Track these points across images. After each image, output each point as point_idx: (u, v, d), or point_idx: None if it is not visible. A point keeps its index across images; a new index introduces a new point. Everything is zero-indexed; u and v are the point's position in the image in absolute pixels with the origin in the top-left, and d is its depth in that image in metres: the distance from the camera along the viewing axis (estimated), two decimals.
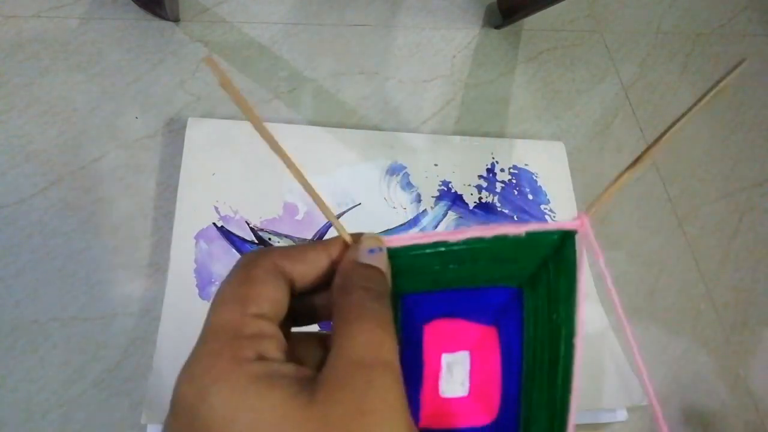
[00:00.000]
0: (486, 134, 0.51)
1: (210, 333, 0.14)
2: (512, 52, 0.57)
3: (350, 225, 0.46)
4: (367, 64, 0.52)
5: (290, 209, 0.42)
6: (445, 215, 0.45)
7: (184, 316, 0.36)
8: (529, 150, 0.51)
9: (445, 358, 0.17)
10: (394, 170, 0.46)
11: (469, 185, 0.47)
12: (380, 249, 0.16)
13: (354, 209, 0.43)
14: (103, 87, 0.44)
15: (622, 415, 0.40)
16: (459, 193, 0.47)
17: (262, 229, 0.41)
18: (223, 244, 0.39)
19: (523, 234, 0.16)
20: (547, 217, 0.48)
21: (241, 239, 0.40)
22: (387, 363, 0.13)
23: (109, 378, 0.35)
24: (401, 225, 0.44)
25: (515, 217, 0.47)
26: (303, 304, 0.17)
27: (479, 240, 0.16)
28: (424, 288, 0.17)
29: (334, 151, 0.45)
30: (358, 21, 0.54)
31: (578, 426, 0.42)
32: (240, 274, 0.15)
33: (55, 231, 0.38)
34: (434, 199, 0.46)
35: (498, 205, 0.47)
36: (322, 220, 0.42)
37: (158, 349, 0.35)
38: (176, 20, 0.49)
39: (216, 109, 0.46)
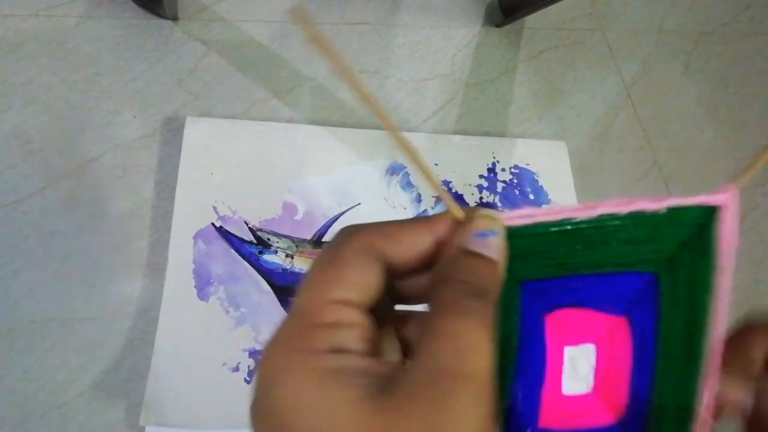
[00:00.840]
0: (487, 133, 0.51)
1: (290, 317, 0.13)
2: (513, 50, 0.57)
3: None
4: (367, 62, 0.52)
5: (289, 209, 0.42)
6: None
7: (182, 316, 0.36)
8: (530, 149, 0.50)
9: (569, 352, 0.15)
10: (394, 170, 0.46)
11: (470, 185, 0.47)
12: (494, 232, 0.13)
13: (354, 209, 0.43)
14: (101, 86, 0.44)
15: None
16: (460, 192, 0.46)
17: (261, 229, 0.40)
18: (222, 244, 0.39)
19: (663, 209, 0.14)
20: None
21: (240, 239, 0.40)
22: (473, 375, 0.11)
23: (108, 379, 0.35)
24: None
25: None
26: (408, 285, 0.15)
27: (612, 217, 0.14)
28: (547, 273, 0.15)
29: (333, 150, 0.45)
30: (357, 19, 0.54)
31: None
32: (329, 254, 0.13)
33: (52, 231, 0.38)
34: (435, 199, 0.46)
35: (499, 205, 0.47)
36: (322, 220, 0.42)
37: (156, 350, 0.35)
38: (174, 19, 0.48)
39: (214, 108, 0.45)
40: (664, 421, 0.15)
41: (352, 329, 0.13)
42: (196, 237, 0.39)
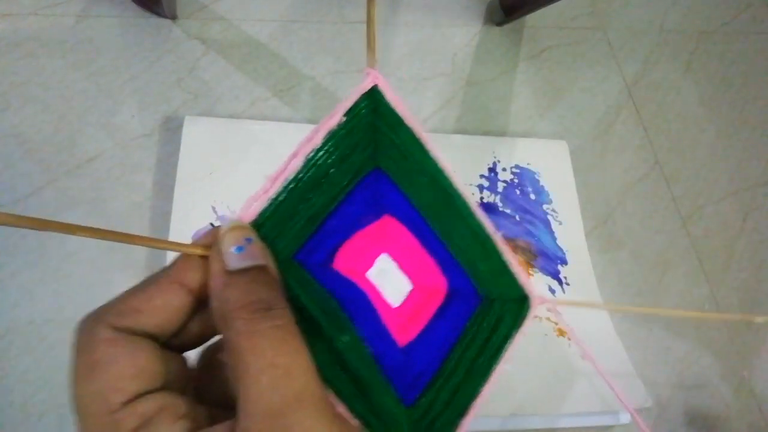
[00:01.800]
0: (487, 133, 0.51)
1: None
2: (514, 49, 0.56)
3: None
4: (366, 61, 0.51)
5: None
6: None
7: None
8: (531, 149, 0.50)
9: (372, 274, 0.16)
10: None
11: (471, 185, 0.47)
12: (248, 240, 0.13)
13: None
14: (100, 85, 0.44)
15: (625, 417, 0.40)
16: None
17: None
18: None
19: (342, 117, 0.14)
20: (549, 217, 0.47)
21: None
22: (299, 395, 0.11)
23: None
24: None
25: (517, 217, 0.46)
26: (189, 331, 0.14)
27: (314, 152, 0.14)
28: (305, 236, 0.15)
29: None
30: (357, 18, 0.53)
31: (582, 429, 0.42)
32: (82, 364, 0.12)
33: (51, 231, 0.38)
34: None
35: (500, 204, 0.47)
36: None
37: None
38: (173, 18, 0.48)
39: (214, 108, 0.45)
40: (472, 260, 0.16)
41: (162, 417, 0.12)
42: (195, 237, 0.39)
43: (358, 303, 0.15)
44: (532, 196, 0.48)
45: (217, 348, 0.15)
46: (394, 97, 0.15)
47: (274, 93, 0.47)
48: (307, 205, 0.15)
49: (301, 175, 0.15)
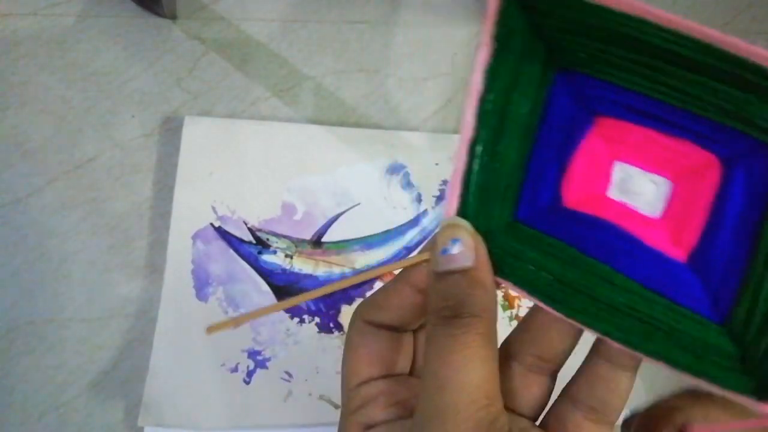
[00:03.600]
0: None
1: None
2: None
3: (350, 225, 0.45)
4: (366, 61, 0.51)
5: (288, 209, 0.42)
6: None
7: (181, 317, 0.36)
8: None
9: (613, 192, 0.12)
10: (394, 169, 0.46)
11: None
12: (455, 240, 0.12)
13: (353, 209, 0.43)
14: (99, 85, 0.44)
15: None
16: None
17: (260, 230, 0.40)
18: (221, 244, 0.39)
19: (494, 45, 0.11)
20: None
21: (239, 239, 0.40)
22: (446, 411, 0.11)
23: (106, 380, 0.35)
24: (401, 225, 0.43)
25: None
26: None
27: (482, 102, 0.11)
28: (514, 190, 0.12)
29: (333, 150, 0.45)
30: (357, 18, 0.53)
31: None
32: (345, 348, 0.15)
33: (50, 231, 0.38)
34: (435, 198, 0.45)
35: None
36: (321, 220, 0.42)
37: (155, 351, 0.35)
38: (173, 18, 0.48)
39: (214, 108, 0.45)
40: (750, 111, 0.10)
41: (377, 402, 0.14)
42: (194, 237, 0.39)
43: (611, 241, 0.12)
44: None
45: None
46: None
47: (274, 93, 0.47)
48: (502, 159, 0.12)
49: (479, 134, 0.12)
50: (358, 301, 0.39)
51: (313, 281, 0.39)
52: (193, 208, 0.40)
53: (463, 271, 0.13)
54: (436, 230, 0.13)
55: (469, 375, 0.12)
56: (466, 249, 0.13)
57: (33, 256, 0.37)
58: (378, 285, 0.40)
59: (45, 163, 0.40)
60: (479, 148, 0.12)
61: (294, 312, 0.38)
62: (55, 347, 0.35)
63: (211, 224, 0.39)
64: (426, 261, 0.13)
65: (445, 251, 0.13)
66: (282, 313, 0.38)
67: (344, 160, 0.45)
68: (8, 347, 0.34)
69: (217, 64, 0.47)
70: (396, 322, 0.15)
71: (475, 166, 0.12)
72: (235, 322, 0.12)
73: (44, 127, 0.41)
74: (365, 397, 0.14)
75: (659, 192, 0.12)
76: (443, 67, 0.53)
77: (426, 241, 0.15)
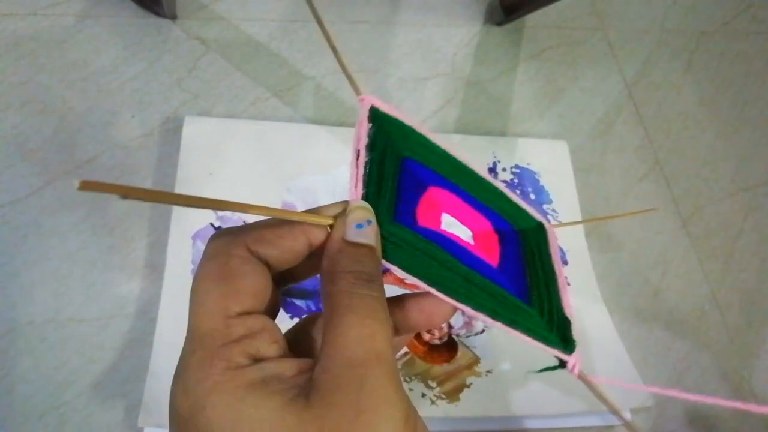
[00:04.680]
0: (487, 133, 0.51)
1: (197, 341, 0.13)
2: (514, 49, 0.56)
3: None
4: (367, 61, 0.51)
5: (288, 209, 0.41)
6: None
7: (181, 317, 0.36)
8: (531, 149, 0.50)
9: (444, 227, 0.18)
10: None
11: None
12: (369, 222, 0.15)
13: None
14: (99, 85, 0.44)
15: (626, 416, 0.40)
16: None
17: None
18: None
19: (366, 141, 0.18)
20: (549, 217, 0.47)
21: None
22: (379, 356, 0.13)
23: (106, 380, 0.35)
24: None
25: None
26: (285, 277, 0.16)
27: (365, 167, 0.17)
28: (393, 207, 0.17)
29: (333, 149, 0.45)
30: (357, 18, 0.53)
31: (582, 428, 0.42)
32: (214, 268, 0.14)
33: (50, 231, 0.38)
34: None
35: None
36: None
37: (155, 351, 0.35)
38: (173, 17, 0.48)
39: (213, 108, 0.45)
40: (506, 210, 0.21)
41: (263, 334, 0.13)
42: (194, 237, 0.39)
43: (453, 243, 0.18)
44: (532, 196, 0.48)
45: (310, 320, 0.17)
46: (389, 108, 0.19)
47: (274, 93, 0.47)
48: (384, 189, 0.17)
49: (367, 177, 0.17)
50: None
51: (313, 281, 0.39)
52: (192, 208, 0.40)
53: (371, 248, 0.15)
54: (349, 206, 0.16)
55: (390, 331, 0.13)
56: (372, 230, 0.15)
57: (33, 256, 0.37)
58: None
59: (45, 163, 0.40)
60: (368, 180, 0.17)
61: (294, 312, 0.38)
62: (55, 347, 0.35)
63: (211, 224, 0.39)
64: (329, 225, 0.15)
65: (359, 226, 0.15)
66: (282, 313, 0.38)
67: (344, 159, 0.45)
68: (8, 347, 0.34)
69: (217, 64, 0.47)
70: (278, 263, 0.15)
71: (370, 185, 0.17)
72: (123, 190, 0.10)
73: (44, 127, 0.41)
74: (251, 327, 0.13)
75: (468, 234, 0.19)
76: (443, 67, 0.53)
77: (322, 207, 0.16)
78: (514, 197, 0.21)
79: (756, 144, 0.59)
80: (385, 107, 0.19)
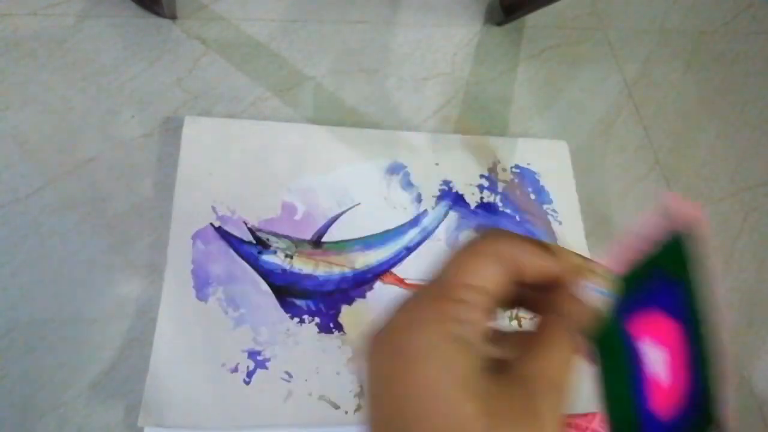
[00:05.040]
0: (488, 133, 0.51)
1: (429, 286, 0.16)
2: (514, 49, 0.56)
3: (350, 225, 0.45)
4: (367, 61, 0.51)
5: (289, 209, 0.42)
6: (446, 215, 0.45)
7: (181, 317, 0.36)
8: (531, 149, 0.50)
9: (646, 347, 0.19)
10: (394, 169, 0.46)
11: (471, 185, 0.47)
12: (605, 292, 0.17)
13: (354, 209, 0.43)
14: (99, 85, 0.44)
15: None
16: (460, 192, 0.46)
17: (260, 230, 0.40)
18: (221, 244, 0.39)
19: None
20: (549, 217, 0.47)
21: (239, 239, 0.39)
22: (558, 386, 0.15)
23: (106, 379, 0.35)
24: (401, 225, 0.43)
25: (517, 217, 0.46)
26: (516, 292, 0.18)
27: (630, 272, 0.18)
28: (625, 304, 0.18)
29: (333, 149, 0.45)
30: (358, 18, 0.53)
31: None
32: (473, 245, 0.16)
33: (51, 231, 0.38)
34: (435, 198, 0.45)
35: (500, 204, 0.47)
36: (321, 220, 0.42)
37: (155, 351, 0.35)
38: (173, 17, 0.48)
39: (213, 108, 0.45)
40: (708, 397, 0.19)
41: (476, 310, 0.15)
42: (195, 237, 0.39)
43: (642, 377, 0.18)
44: (533, 196, 0.48)
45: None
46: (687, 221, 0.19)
47: (275, 93, 0.47)
48: (632, 287, 0.18)
49: (631, 269, 0.18)
50: (359, 301, 0.39)
51: (313, 281, 0.39)
52: (193, 208, 0.40)
53: (597, 311, 0.17)
54: (602, 268, 0.17)
55: (571, 375, 0.16)
56: (606, 303, 0.17)
57: (33, 256, 0.37)
58: (378, 285, 0.40)
59: (45, 163, 0.40)
60: (636, 270, 0.18)
61: (294, 312, 0.38)
62: (55, 347, 0.35)
63: (211, 224, 0.39)
64: (591, 273, 0.17)
65: (597, 290, 0.17)
66: (282, 313, 0.38)
67: (344, 160, 0.45)
68: (8, 347, 0.34)
69: (218, 64, 0.47)
70: (523, 273, 0.16)
71: (631, 276, 0.18)
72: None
73: (44, 127, 0.41)
74: (470, 299, 0.15)
75: (659, 370, 0.19)
76: (443, 67, 0.53)
77: (594, 263, 0.18)
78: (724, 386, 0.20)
79: (755, 144, 0.59)
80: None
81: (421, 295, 0.16)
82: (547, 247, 0.17)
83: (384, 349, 0.15)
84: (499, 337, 0.18)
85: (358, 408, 0.35)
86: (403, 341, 0.15)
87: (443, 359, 0.14)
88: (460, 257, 0.16)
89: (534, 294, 0.18)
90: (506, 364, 0.15)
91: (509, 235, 0.17)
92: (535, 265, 0.17)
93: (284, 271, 0.39)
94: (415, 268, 0.42)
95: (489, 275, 0.16)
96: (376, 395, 0.15)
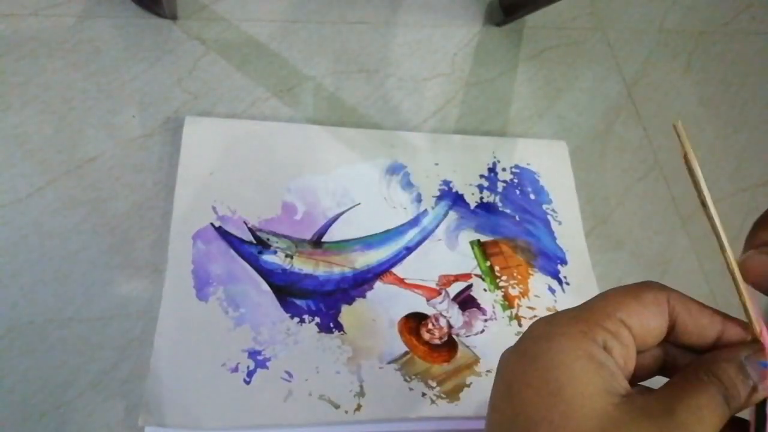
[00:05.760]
0: (487, 133, 0.51)
1: (582, 308, 0.16)
2: (514, 50, 0.56)
3: (350, 225, 0.45)
4: (366, 62, 0.52)
5: (289, 209, 0.42)
6: (446, 215, 0.45)
7: (181, 317, 0.36)
8: (530, 149, 0.50)
9: None
10: (394, 169, 0.46)
11: (471, 185, 0.47)
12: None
13: (354, 209, 0.43)
14: (100, 85, 0.44)
15: None
16: (460, 192, 0.46)
17: (260, 230, 0.40)
18: (221, 244, 0.39)
19: None
20: (549, 217, 0.47)
21: (239, 239, 0.40)
22: None
23: (107, 380, 0.35)
24: (401, 225, 0.43)
25: (517, 217, 0.46)
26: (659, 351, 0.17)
27: None
28: None
29: (333, 150, 0.45)
30: (357, 19, 0.53)
31: None
32: (637, 288, 0.16)
33: (51, 231, 0.38)
34: (435, 198, 0.45)
35: (499, 204, 0.47)
36: (321, 220, 0.42)
37: (156, 351, 0.35)
38: (174, 18, 0.48)
39: (214, 108, 0.45)
40: None
41: (622, 346, 0.15)
42: (195, 237, 0.39)
43: None
44: (532, 196, 0.48)
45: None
46: None
47: (275, 93, 0.48)
48: None
49: None
50: (359, 301, 0.39)
51: (314, 281, 0.39)
52: (193, 208, 0.40)
53: (754, 388, 0.16)
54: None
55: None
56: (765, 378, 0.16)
57: (34, 256, 0.37)
58: (378, 284, 0.40)
59: (46, 163, 0.40)
60: None
61: (294, 312, 0.38)
62: (56, 347, 0.35)
63: (212, 224, 0.39)
64: (746, 333, 0.16)
65: (763, 365, 0.16)
66: (282, 312, 0.38)
67: (344, 160, 0.45)
68: (9, 347, 0.34)
69: (218, 64, 0.47)
70: (680, 330, 0.16)
71: None
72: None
73: (45, 127, 0.41)
74: (619, 333, 0.15)
75: None
76: (443, 67, 0.53)
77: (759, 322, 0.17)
78: None
79: (755, 144, 0.59)
80: None
81: (566, 313, 0.16)
82: (713, 311, 0.17)
83: (520, 355, 0.15)
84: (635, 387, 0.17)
85: (358, 407, 0.35)
86: (542, 348, 0.15)
87: (585, 371, 0.14)
88: (619, 295, 0.16)
89: (677, 352, 0.17)
90: (643, 399, 0.15)
91: (671, 290, 0.16)
92: (698, 325, 0.16)
93: (284, 270, 0.39)
94: (414, 268, 0.42)
95: (644, 320, 0.15)
96: (505, 397, 0.15)
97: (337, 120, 0.47)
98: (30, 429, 0.33)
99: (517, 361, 0.15)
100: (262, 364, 0.36)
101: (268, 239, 0.40)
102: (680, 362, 0.17)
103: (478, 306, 0.41)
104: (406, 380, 0.37)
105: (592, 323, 0.15)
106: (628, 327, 0.15)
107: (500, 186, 0.47)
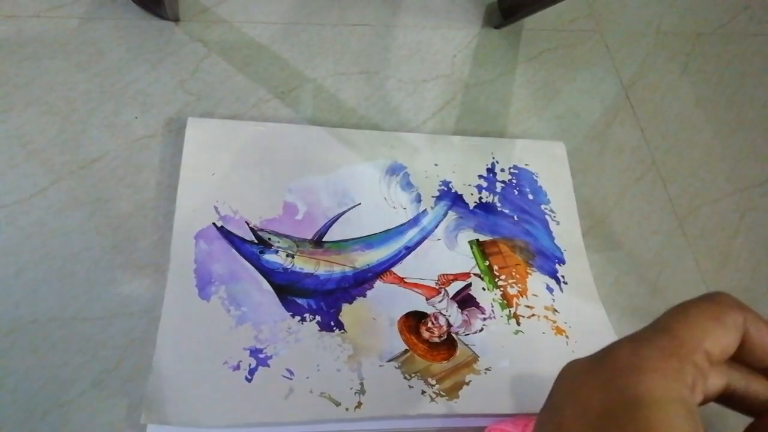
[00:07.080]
0: (486, 134, 0.51)
1: (667, 336, 0.15)
2: (512, 51, 0.57)
3: (350, 225, 0.45)
4: (367, 63, 0.52)
5: (290, 209, 0.42)
6: (445, 215, 0.45)
7: (183, 316, 0.36)
8: (529, 150, 0.50)
9: None
10: (394, 170, 0.46)
11: (470, 185, 0.47)
12: None
13: (354, 209, 0.43)
14: (103, 87, 0.44)
15: None
16: (459, 192, 0.47)
17: (261, 229, 0.41)
18: (223, 244, 0.39)
19: None
20: (547, 217, 0.48)
21: (241, 239, 0.40)
22: None
23: (109, 378, 0.35)
24: (401, 225, 0.44)
25: (515, 217, 0.47)
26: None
27: None
28: None
29: (333, 151, 0.45)
30: (358, 21, 0.54)
31: None
32: (717, 309, 0.16)
33: (54, 231, 0.38)
34: (434, 199, 0.46)
35: (498, 205, 0.47)
36: (322, 220, 0.42)
37: (158, 350, 0.35)
38: (176, 20, 0.49)
39: (216, 109, 0.46)
40: None
41: (703, 379, 0.15)
42: (197, 237, 0.39)
43: None
44: (530, 197, 0.48)
45: None
46: None
47: (276, 94, 0.48)
48: None
49: None
50: (359, 300, 0.40)
51: (314, 280, 0.40)
52: (195, 208, 0.40)
53: None
54: None
55: None
56: None
57: (37, 255, 0.37)
58: (378, 283, 0.41)
59: (49, 163, 0.40)
60: None
61: (295, 310, 0.38)
62: (59, 346, 0.35)
63: (214, 224, 0.40)
64: None
65: None
66: (283, 311, 0.38)
67: (345, 160, 0.45)
68: (12, 346, 0.35)
69: (220, 66, 0.48)
70: (749, 350, 0.16)
71: None
72: None
73: (48, 128, 0.42)
74: (703, 366, 0.15)
75: None
76: (442, 69, 0.54)
77: None
78: None
79: (752, 144, 0.59)
80: None
81: (654, 342, 0.15)
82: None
83: (605, 383, 0.15)
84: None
85: (359, 405, 0.36)
86: (632, 382, 0.14)
87: (677, 417, 0.13)
88: (702, 319, 0.16)
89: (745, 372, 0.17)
90: None
91: (745, 306, 0.16)
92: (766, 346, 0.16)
93: (286, 270, 0.39)
94: (414, 267, 0.42)
95: (725, 346, 0.15)
96: (579, 418, 0.14)
97: (338, 121, 0.48)
98: (33, 427, 0.33)
99: (600, 387, 0.15)
100: (263, 362, 0.36)
101: (269, 239, 0.40)
102: (738, 385, 0.17)
103: (477, 305, 0.42)
104: (405, 378, 0.37)
105: (684, 359, 0.15)
106: (710, 355, 0.15)
107: (499, 186, 0.48)
